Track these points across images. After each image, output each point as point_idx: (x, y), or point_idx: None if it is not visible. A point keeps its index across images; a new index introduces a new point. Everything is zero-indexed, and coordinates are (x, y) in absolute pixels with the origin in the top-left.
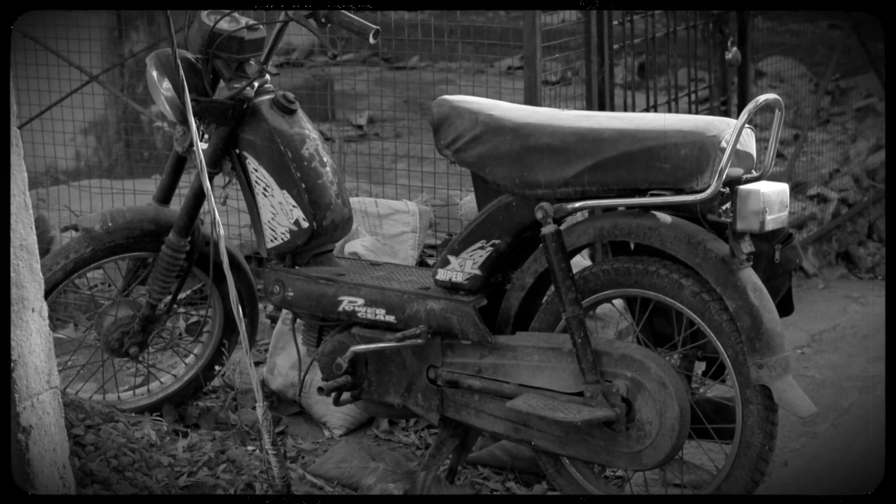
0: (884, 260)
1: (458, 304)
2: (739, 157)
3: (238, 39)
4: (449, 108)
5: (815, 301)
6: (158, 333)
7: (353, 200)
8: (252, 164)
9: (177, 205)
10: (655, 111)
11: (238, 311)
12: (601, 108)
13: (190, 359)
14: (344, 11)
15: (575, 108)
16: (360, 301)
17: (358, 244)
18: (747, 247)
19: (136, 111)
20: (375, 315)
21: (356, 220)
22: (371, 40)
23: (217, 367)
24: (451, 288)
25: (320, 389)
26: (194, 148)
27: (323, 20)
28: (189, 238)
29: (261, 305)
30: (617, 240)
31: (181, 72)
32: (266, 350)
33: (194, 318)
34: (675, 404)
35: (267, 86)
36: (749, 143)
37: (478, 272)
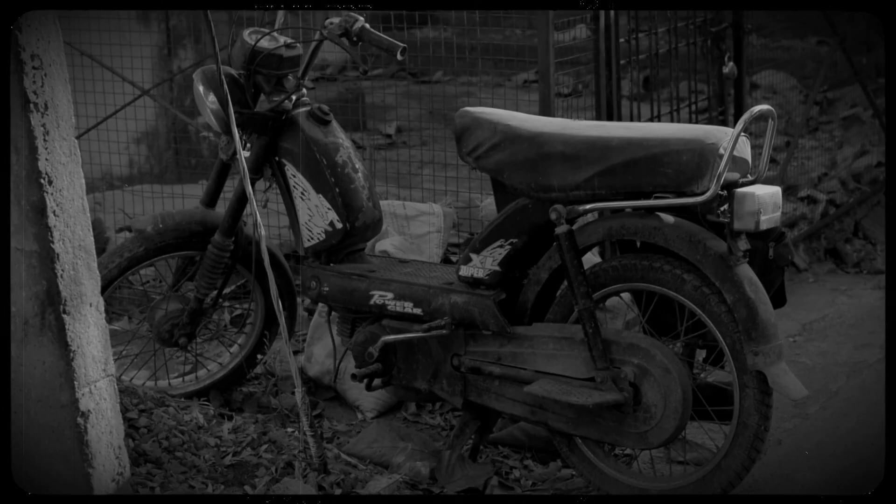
0: (868, 256)
1: (479, 298)
2: (736, 162)
3: (277, 56)
4: (470, 119)
5: (806, 294)
6: (205, 325)
7: (382, 203)
8: (290, 170)
9: (222, 208)
10: (659, 121)
11: (278, 305)
12: (609, 118)
13: (234, 348)
14: (373, 31)
15: (585, 119)
16: (390, 295)
17: (387, 243)
18: (743, 244)
19: (184, 122)
20: (404, 308)
21: (386, 221)
22: (399, 57)
23: (259, 356)
24: (473, 283)
25: (353, 376)
26: (237, 156)
27: (354, 39)
28: (233, 238)
29: (299, 299)
30: (624, 239)
31: (225, 86)
32: (304, 340)
33: (238, 311)
34: (679, 388)
35: (303, 99)
36: (745, 149)
37: (497, 269)
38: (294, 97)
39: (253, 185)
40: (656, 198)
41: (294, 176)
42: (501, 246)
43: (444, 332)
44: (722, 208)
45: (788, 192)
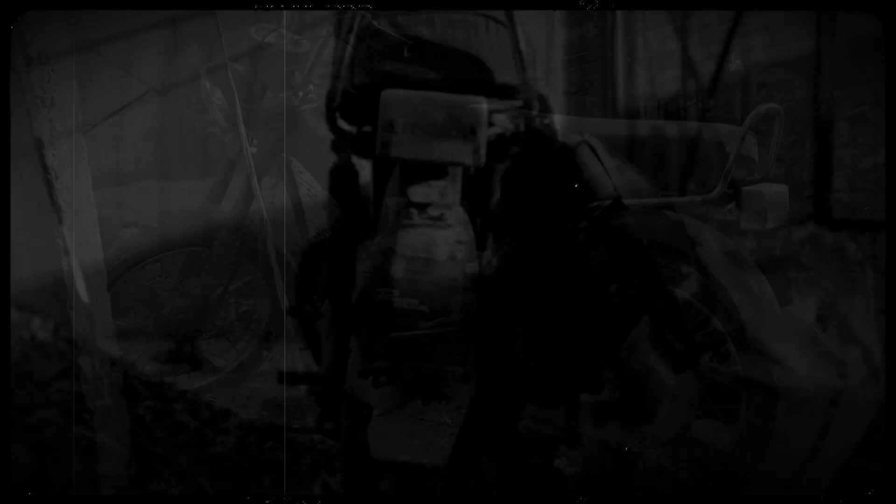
0: (874, 255)
1: (486, 295)
2: (743, 160)
3: (284, 53)
4: (475, 115)
5: (812, 291)
6: (211, 321)
7: (388, 199)
8: (297, 166)
9: (228, 204)
10: (666, 119)
11: (284, 301)
12: (615, 115)
13: (240, 344)
14: (380, 27)
15: (592, 117)
16: (397, 292)
17: (394, 239)
18: (750, 243)
19: (190, 118)
20: (410, 304)
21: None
22: (405, 54)
23: (265, 352)
24: (480, 280)
25: (359, 373)
26: (244, 152)
27: (361, 36)
28: (239, 234)
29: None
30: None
31: (232, 83)
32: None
33: (244, 308)
34: (685, 386)
35: (310, 95)
36: (752, 148)
37: (504, 265)
38: (301, 94)
39: (259, 181)
40: (663, 196)
41: (301, 172)
42: (507, 243)
43: (450, 328)
44: (729, 206)
45: (795, 190)
